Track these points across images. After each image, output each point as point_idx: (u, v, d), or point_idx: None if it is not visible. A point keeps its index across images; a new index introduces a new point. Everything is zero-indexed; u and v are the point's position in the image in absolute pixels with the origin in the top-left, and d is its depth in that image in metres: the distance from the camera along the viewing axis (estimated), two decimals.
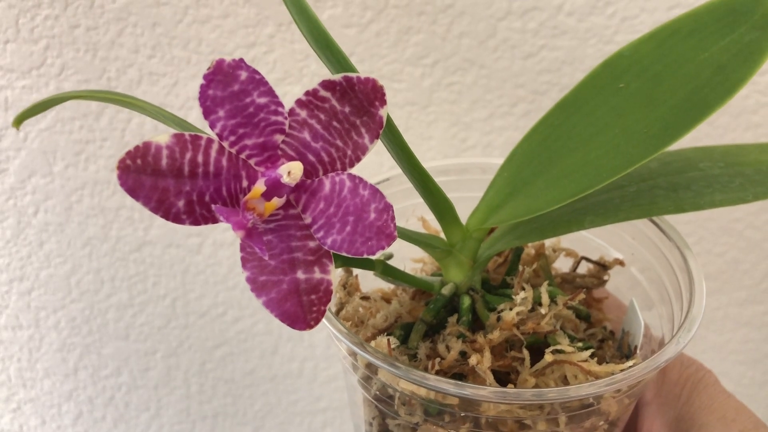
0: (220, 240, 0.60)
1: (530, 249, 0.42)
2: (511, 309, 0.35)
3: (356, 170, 0.28)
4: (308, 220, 0.28)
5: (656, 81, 0.34)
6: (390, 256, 0.38)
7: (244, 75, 0.27)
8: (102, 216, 0.59)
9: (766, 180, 0.36)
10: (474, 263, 0.37)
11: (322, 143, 0.28)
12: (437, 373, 0.34)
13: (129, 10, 0.52)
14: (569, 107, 0.37)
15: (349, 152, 0.28)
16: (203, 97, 0.27)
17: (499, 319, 0.35)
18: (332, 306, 0.39)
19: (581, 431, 0.35)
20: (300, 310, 0.29)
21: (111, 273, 0.62)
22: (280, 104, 0.27)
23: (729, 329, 0.64)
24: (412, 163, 0.33)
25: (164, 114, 0.33)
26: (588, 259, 0.42)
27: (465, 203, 0.38)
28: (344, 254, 0.28)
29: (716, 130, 0.56)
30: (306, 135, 0.28)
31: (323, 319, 0.29)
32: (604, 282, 0.42)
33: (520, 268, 0.39)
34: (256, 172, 0.28)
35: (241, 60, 0.27)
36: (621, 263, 0.42)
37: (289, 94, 0.55)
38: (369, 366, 0.35)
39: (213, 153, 0.27)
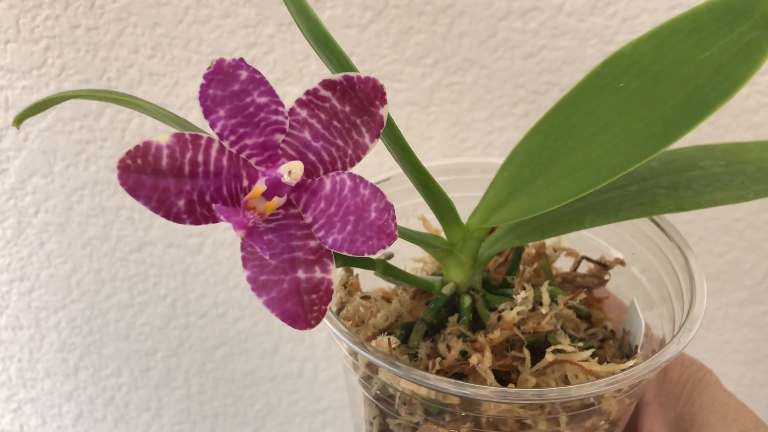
0: (221, 240, 0.60)
1: (531, 248, 0.42)
2: (511, 308, 0.35)
3: (357, 170, 0.28)
4: (309, 219, 0.29)
5: (656, 80, 0.34)
6: (390, 256, 0.38)
7: (244, 74, 0.27)
8: (102, 216, 0.59)
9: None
10: (474, 263, 0.37)
11: (323, 143, 0.28)
12: (438, 372, 0.34)
13: (129, 10, 0.52)
14: (570, 107, 0.37)
15: (349, 152, 0.28)
16: (203, 97, 0.27)
17: (499, 318, 0.35)
18: (333, 305, 0.39)
19: (582, 431, 0.35)
20: (301, 309, 0.29)
21: (111, 273, 0.62)
22: (281, 104, 0.27)
23: (729, 329, 0.64)
24: (413, 163, 0.33)
25: (165, 113, 0.33)
26: (589, 259, 0.42)
27: (465, 203, 0.38)
28: (345, 253, 0.28)
29: (717, 130, 0.56)
30: (306, 134, 0.28)
31: (324, 319, 0.29)
32: (605, 281, 0.42)
33: (521, 267, 0.39)
34: (256, 172, 0.28)
35: (242, 59, 0.27)
36: (622, 263, 0.42)
37: (290, 94, 0.55)
38: (369, 365, 0.35)
39: (213, 152, 0.27)
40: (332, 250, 0.29)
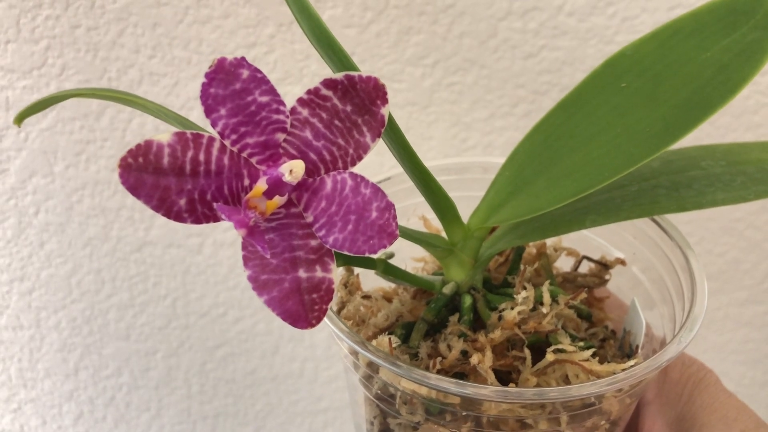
0: (221, 240, 0.60)
1: (531, 248, 0.42)
2: (512, 308, 0.35)
3: (357, 169, 0.28)
4: (310, 218, 0.28)
5: (658, 80, 0.34)
6: (391, 255, 0.38)
7: (245, 73, 0.27)
8: (103, 216, 0.59)
9: None
10: (475, 262, 0.37)
11: (324, 142, 0.28)
12: (438, 372, 0.34)
13: (130, 10, 0.52)
14: (571, 106, 0.37)
15: (350, 151, 0.28)
16: (205, 96, 0.27)
17: (500, 318, 0.35)
18: (333, 305, 0.39)
19: (583, 431, 0.35)
20: (301, 308, 0.29)
21: (112, 273, 0.62)
22: (282, 103, 0.27)
23: (729, 329, 0.64)
24: (414, 162, 0.33)
25: (165, 112, 0.33)
26: (589, 259, 0.42)
27: (466, 202, 0.38)
28: (346, 253, 0.28)
29: (717, 130, 0.56)
30: (308, 134, 0.28)
31: (324, 318, 0.29)
32: (606, 281, 0.42)
33: (522, 267, 0.39)
34: (257, 171, 0.28)
35: (243, 59, 0.27)
36: (622, 262, 0.42)
37: (290, 94, 0.55)
38: (370, 365, 0.35)
39: (214, 151, 0.27)
40: (333, 250, 0.29)
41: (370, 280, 0.40)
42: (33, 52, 0.54)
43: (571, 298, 0.36)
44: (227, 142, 0.27)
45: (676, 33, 0.35)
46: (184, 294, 0.63)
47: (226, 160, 0.28)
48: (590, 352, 0.34)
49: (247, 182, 0.28)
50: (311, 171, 0.28)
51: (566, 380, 0.34)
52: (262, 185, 0.27)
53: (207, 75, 0.26)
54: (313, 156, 0.28)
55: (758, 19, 0.33)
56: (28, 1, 0.52)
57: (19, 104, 0.56)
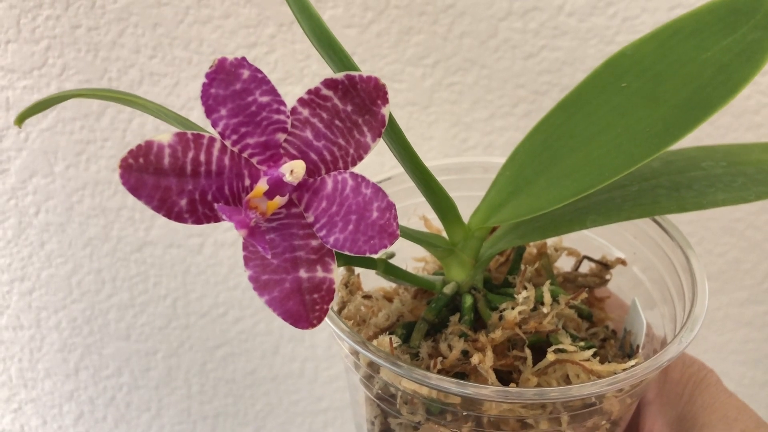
0: (221, 240, 0.60)
1: (532, 248, 0.42)
2: (513, 308, 0.35)
3: (358, 169, 0.28)
4: (311, 218, 0.28)
5: (658, 80, 0.34)
6: (392, 255, 0.38)
7: (246, 74, 0.27)
8: (103, 216, 0.59)
9: None
10: (476, 262, 0.37)
11: (325, 142, 0.28)
12: (439, 372, 0.34)
13: (130, 10, 0.52)
14: (571, 106, 0.37)
15: (351, 151, 0.28)
16: (205, 96, 0.27)
17: (501, 318, 0.35)
18: (334, 305, 0.39)
19: (583, 430, 0.35)
20: (302, 308, 0.29)
21: (112, 273, 0.62)
22: (283, 103, 0.27)
23: (730, 329, 0.64)
24: (415, 162, 0.33)
25: (166, 112, 0.33)
26: (590, 259, 0.42)
27: (467, 202, 0.38)
28: (346, 253, 0.28)
29: (718, 131, 0.56)
30: (308, 134, 0.28)
31: (325, 318, 0.29)
32: (606, 281, 0.42)
33: (522, 267, 0.39)
34: (258, 171, 0.28)
35: (244, 59, 0.27)
36: (623, 262, 0.42)
37: (290, 95, 0.55)
38: (371, 365, 0.35)
39: (215, 152, 0.27)
40: (334, 250, 0.29)
41: (370, 280, 0.40)
42: (33, 52, 0.54)
43: (571, 298, 0.36)
44: (228, 143, 0.27)
45: (677, 33, 0.35)
46: (185, 294, 0.63)
47: (226, 161, 0.28)
48: (591, 352, 0.34)
49: (247, 182, 0.28)
50: (312, 171, 0.28)
51: (567, 380, 0.34)
52: (262, 185, 0.27)
53: (208, 75, 0.26)
54: (313, 156, 0.28)
55: (758, 19, 0.33)
56: (29, 1, 0.52)
57: (20, 104, 0.56)
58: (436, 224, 0.41)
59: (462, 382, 0.31)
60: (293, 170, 0.27)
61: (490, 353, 0.34)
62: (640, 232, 0.41)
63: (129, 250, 0.61)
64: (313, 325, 0.29)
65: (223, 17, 0.53)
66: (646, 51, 0.36)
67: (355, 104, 0.27)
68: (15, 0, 0.52)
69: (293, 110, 0.28)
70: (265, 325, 0.64)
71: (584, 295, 0.36)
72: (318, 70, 0.54)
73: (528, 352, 0.34)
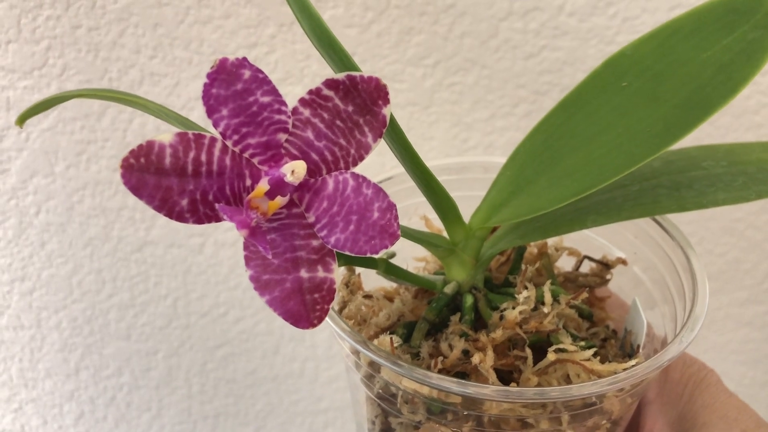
0: (222, 240, 0.60)
1: (533, 248, 0.42)
2: (513, 308, 0.35)
3: (358, 170, 0.29)
4: (311, 219, 0.29)
5: (658, 80, 0.34)
6: (393, 255, 0.38)
7: (247, 74, 0.27)
8: (103, 216, 0.59)
9: None
10: (477, 262, 0.37)
11: (326, 142, 0.28)
12: (440, 371, 0.34)
13: (130, 10, 0.52)
14: (572, 106, 0.37)
15: (352, 151, 0.28)
16: (206, 96, 0.27)
17: (501, 317, 0.35)
18: (335, 305, 0.39)
19: (584, 430, 0.35)
20: (303, 308, 0.29)
21: (112, 273, 0.62)
22: (284, 103, 0.27)
23: (730, 329, 0.64)
24: (415, 162, 0.33)
25: (167, 112, 0.33)
26: (591, 258, 0.42)
27: (467, 202, 0.38)
28: (347, 253, 0.28)
29: (718, 130, 0.56)
30: (309, 134, 0.28)
31: (326, 318, 0.29)
32: (607, 281, 0.42)
33: (523, 266, 0.39)
34: (259, 171, 0.28)
35: (245, 59, 0.27)
36: (624, 262, 0.42)
37: (291, 95, 0.55)
38: (372, 364, 0.35)
39: (216, 152, 0.28)
40: (335, 250, 0.29)
41: (371, 280, 0.40)
42: (34, 53, 0.54)
43: (572, 298, 0.36)
44: (229, 143, 0.27)
45: (676, 32, 0.35)
46: (185, 294, 0.63)
47: (227, 161, 0.28)
48: (591, 351, 0.34)
49: (248, 183, 0.28)
50: (313, 171, 0.28)
51: (567, 380, 0.34)
52: (263, 186, 0.27)
53: (209, 75, 0.26)
54: (314, 156, 0.28)
55: (758, 19, 0.33)
56: (29, 2, 0.52)
57: (20, 104, 0.56)
58: (437, 224, 0.41)
59: (463, 381, 0.31)
60: (294, 170, 0.27)
61: (490, 353, 0.34)
62: (640, 231, 0.41)
63: (129, 250, 0.61)
64: (314, 325, 0.29)
65: (224, 17, 0.53)
66: (645, 51, 0.36)
67: (356, 104, 0.27)
68: (15, 0, 0.52)
69: (294, 110, 0.28)
70: (266, 325, 0.64)
71: (585, 294, 0.36)
72: (318, 71, 0.54)
73: (528, 351, 0.34)
